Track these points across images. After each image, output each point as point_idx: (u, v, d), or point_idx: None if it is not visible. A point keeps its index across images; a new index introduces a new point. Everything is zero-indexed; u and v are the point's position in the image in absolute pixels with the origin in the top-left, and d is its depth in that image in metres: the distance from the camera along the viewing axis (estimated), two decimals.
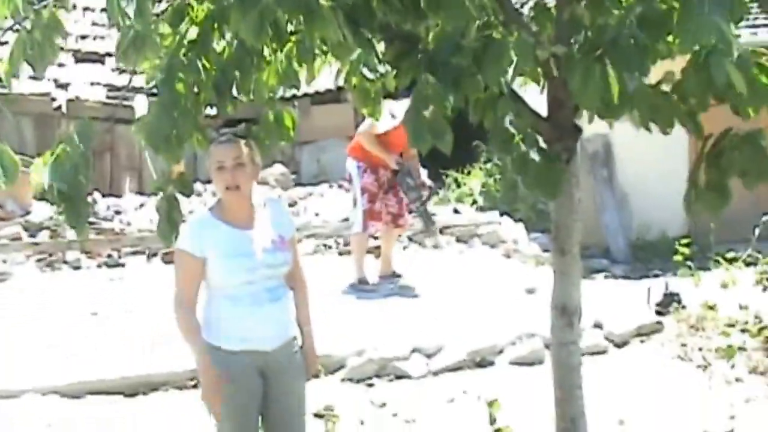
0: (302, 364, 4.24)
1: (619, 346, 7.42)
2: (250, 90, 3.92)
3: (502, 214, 11.27)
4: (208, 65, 3.75)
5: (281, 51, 3.90)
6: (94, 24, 15.22)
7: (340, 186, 12.54)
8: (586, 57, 3.07)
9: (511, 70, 3.22)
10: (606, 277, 9.64)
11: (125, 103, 12.29)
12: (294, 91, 4.44)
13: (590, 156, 10.94)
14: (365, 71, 3.99)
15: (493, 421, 5.03)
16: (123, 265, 10.23)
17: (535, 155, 3.35)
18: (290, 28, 3.61)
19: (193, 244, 3.99)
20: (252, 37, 3.20)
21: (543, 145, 3.49)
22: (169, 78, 3.66)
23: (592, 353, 7.03)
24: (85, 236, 4.38)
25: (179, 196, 3.96)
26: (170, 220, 3.92)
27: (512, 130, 3.39)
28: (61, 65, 13.79)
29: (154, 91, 3.83)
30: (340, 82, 4.24)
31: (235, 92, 3.98)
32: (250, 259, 3.98)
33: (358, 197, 8.55)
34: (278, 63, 3.95)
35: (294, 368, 4.20)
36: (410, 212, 8.94)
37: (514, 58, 3.16)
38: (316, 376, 4.57)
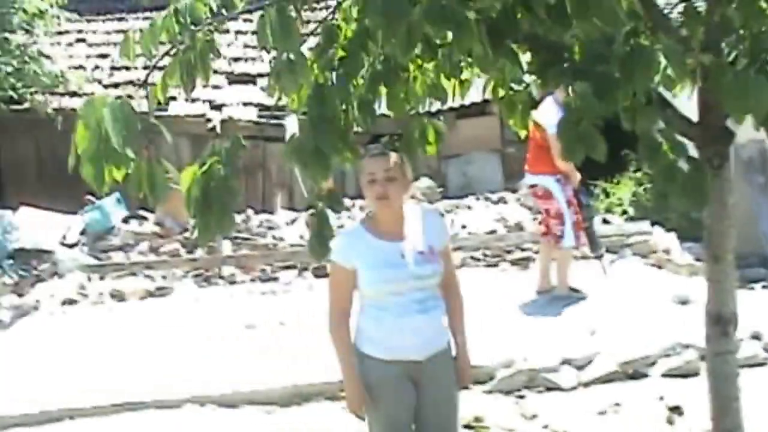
0: (455, 374, 4.27)
1: None
2: (396, 105, 3.97)
3: (653, 224, 11.03)
4: (356, 83, 3.82)
5: (428, 65, 3.95)
6: (246, 46, 15.71)
7: (486, 198, 12.53)
8: (738, 67, 3.00)
9: (658, 77, 3.15)
10: (764, 287, 9.30)
11: (276, 121, 12.63)
12: (439, 105, 4.46)
13: (745, 162, 10.60)
14: (511, 83, 4.03)
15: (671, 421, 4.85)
16: (276, 279, 10.44)
17: (683, 164, 3.27)
18: (437, 41, 3.64)
19: (344, 256, 4.08)
20: (401, 52, 3.25)
21: (692, 153, 3.39)
22: (318, 97, 3.74)
23: (750, 365, 6.78)
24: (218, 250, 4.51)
25: (329, 212, 4.05)
26: (321, 236, 3.98)
27: (659, 138, 3.31)
28: (215, 87, 14.29)
29: (304, 110, 3.93)
30: (487, 95, 4.27)
31: (381, 108, 4.05)
32: (397, 271, 4.03)
33: (565, 210, 8.43)
34: (426, 77, 4.01)
35: (447, 378, 4.23)
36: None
37: (663, 64, 3.11)
38: (467, 387, 4.58)
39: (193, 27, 3.71)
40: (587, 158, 3.27)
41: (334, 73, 3.77)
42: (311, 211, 4.04)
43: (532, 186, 8.72)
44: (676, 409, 5.11)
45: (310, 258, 4.16)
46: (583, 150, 3.22)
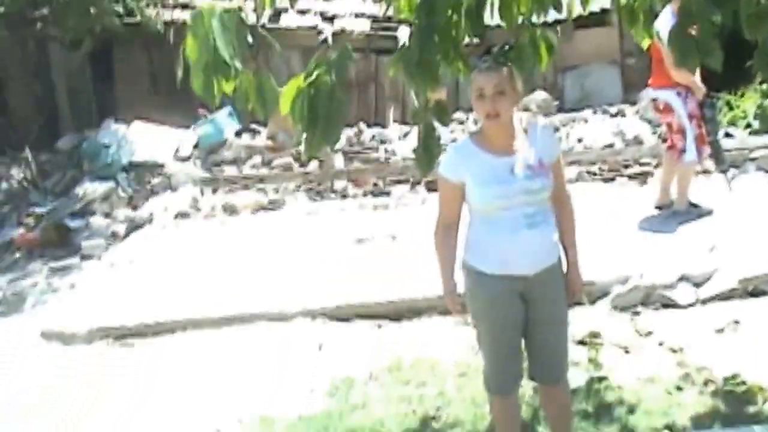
0: (565, 288, 4.23)
1: None
2: (507, 14, 3.88)
3: None
4: None
5: None
6: None
7: (604, 111, 12.24)
8: None
9: None
10: None
11: (390, 33, 12.51)
12: (557, 16, 4.35)
13: None
14: None
15: None
16: (388, 194, 10.44)
17: None
18: None
19: (453, 170, 4.05)
20: None
21: None
22: (427, 5, 3.68)
23: None
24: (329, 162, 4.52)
25: (438, 125, 4.01)
26: (428, 148, 3.96)
27: None
28: None
29: (413, 19, 3.87)
30: (606, 4, 4.14)
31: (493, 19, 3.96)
32: (505, 186, 3.97)
33: (686, 125, 8.23)
34: None
35: (556, 293, 4.19)
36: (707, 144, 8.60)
37: None
38: (580, 302, 4.54)
39: None
40: (710, 70, 3.14)
41: None
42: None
43: (653, 100, 8.47)
44: None
45: (417, 171, 4.13)
46: (697, 57, 3.12)
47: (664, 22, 7.03)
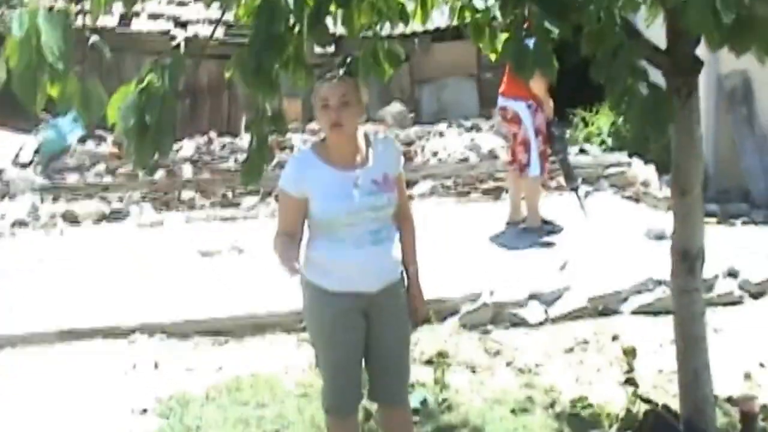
0: (407, 306, 4.11)
1: (755, 296, 6.95)
2: (350, 24, 3.73)
3: (631, 155, 10.81)
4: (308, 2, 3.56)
5: None
6: None
7: (460, 125, 12.26)
8: None
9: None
10: (744, 222, 9.10)
11: (244, 41, 12.23)
12: (414, 28, 4.25)
13: (728, 93, 10.31)
14: (476, 3, 3.83)
15: (629, 368, 4.80)
16: (237, 205, 10.25)
17: (643, 89, 3.10)
18: None
19: (294, 184, 3.90)
20: None
21: (654, 79, 3.24)
22: (267, 12, 3.50)
23: (726, 303, 6.71)
24: (153, 175, 4.32)
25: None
26: (258, 159, 3.80)
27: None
28: (180, 3, 13.89)
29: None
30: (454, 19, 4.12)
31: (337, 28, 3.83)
32: (351, 202, 3.84)
33: (531, 138, 8.22)
34: None
35: (398, 311, 4.07)
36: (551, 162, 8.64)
37: None
38: (426, 320, 4.47)
39: None
40: (565, 86, 3.14)
41: None
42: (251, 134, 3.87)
43: (502, 109, 8.47)
44: (632, 351, 5.02)
45: (243, 180, 3.95)
46: (532, 66, 3.10)
47: None
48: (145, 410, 5.42)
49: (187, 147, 11.23)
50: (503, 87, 8.42)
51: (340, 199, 3.84)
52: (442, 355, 5.85)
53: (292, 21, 3.59)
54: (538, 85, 7.91)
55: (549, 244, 8.05)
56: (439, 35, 13.10)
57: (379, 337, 4.03)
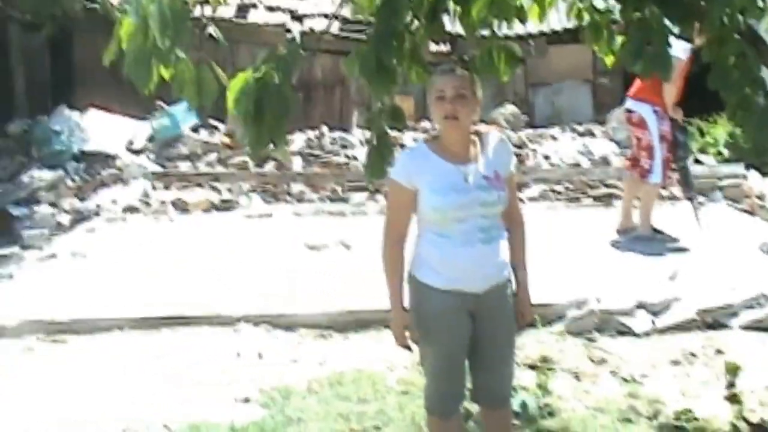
0: (514, 309, 4.06)
1: None
2: (467, 22, 3.72)
3: (748, 167, 10.54)
4: None
5: None
6: None
7: (573, 130, 12.12)
8: None
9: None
10: None
11: (359, 36, 12.31)
12: (530, 30, 4.25)
13: None
14: (596, 3, 3.80)
15: (731, 384, 4.68)
16: (346, 200, 10.29)
17: (761, 98, 3.02)
18: None
19: (405, 174, 3.86)
20: None
21: None
22: (388, 8, 3.53)
23: None
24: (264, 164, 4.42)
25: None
26: (379, 154, 3.82)
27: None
28: None
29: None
30: (573, 21, 4.16)
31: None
32: (462, 196, 3.80)
33: (656, 144, 8.12)
34: None
35: (505, 313, 4.02)
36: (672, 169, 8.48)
37: None
38: (531, 324, 4.45)
39: None
40: (684, 95, 3.13)
41: None
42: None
43: (629, 111, 8.33)
44: (735, 369, 4.89)
45: (367, 177, 3.97)
46: (646, 65, 3.13)
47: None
48: (247, 399, 5.45)
49: (298, 140, 11.31)
50: (632, 89, 8.29)
51: (451, 192, 3.79)
52: (545, 360, 5.82)
53: (410, 17, 3.62)
54: (669, 91, 7.78)
55: (659, 254, 7.89)
56: (555, 38, 12.99)
57: (485, 338, 3.98)
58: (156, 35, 3.14)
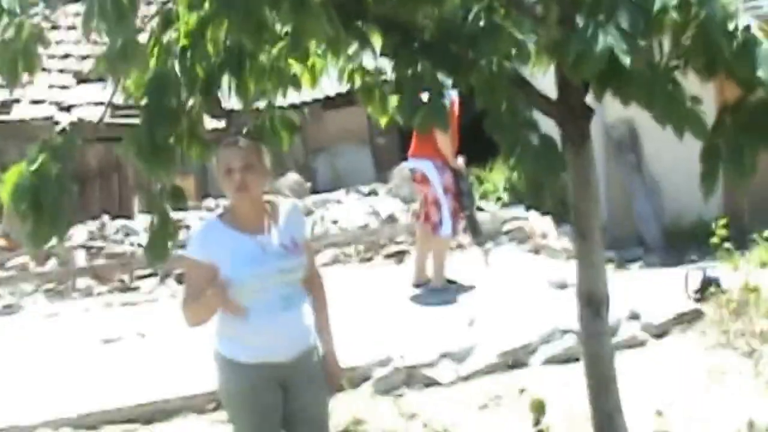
0: (323, 374, 4.05)
1: (658, 336, 7.10)
2: (244, 94, 3.72)
3: (528, 209, 10.97)
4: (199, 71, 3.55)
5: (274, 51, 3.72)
6: (95, 43, 14.99)
7: (357, 191, 12.28)
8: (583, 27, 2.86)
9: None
10: (641, 266, 9.31)
11: (131, 121, 12.10)
12: (304, 98, 4.30)
13: (616, 142, 10.58)
14: (366, 64, 3.88)
15: (536, 422, 4.80)
16: (136, 289, 9.99)
17: (534, 138, 3.19)
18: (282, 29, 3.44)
19: (201, 249, 3.83)
20: (248, 40, 3.18)
21: (544, 129, 3.35)
22: (159, 85, 3.49)
23: (630, 346, 6.80)
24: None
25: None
26: (161, 236, 3.75)
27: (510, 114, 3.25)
28: (63, 87, 13.67)
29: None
30: (346, 85, 4.21)
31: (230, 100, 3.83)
32: (261, 266, 3.79)
33: (441, 197, 8.26)
34: (269, 63, 3.76)
35: (315, 379, 4.01)
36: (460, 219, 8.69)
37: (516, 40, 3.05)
38: (342, 388, 4.44)
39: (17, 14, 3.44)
40: (461, 144, 3.26)
41: (176, 62, 3.52)
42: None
43: (412, 170, 8.55)
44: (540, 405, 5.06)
45: (149, 260, 3.88)
46: (427, 120, 3.25)
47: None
48: None
49: (79, 232, 10.92)
50: (411, 149, 8.49)
51: (250, 263, 3.78)
52: (358, 422, 5.81)
53: (184, 94, 3.58)
54: (444, 142, 8.00)
55: (455, 302, 8.07)
56: (329, 103, 13.15)
57: (298, 408, 3.95)
58: None
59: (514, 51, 3.22)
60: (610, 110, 9.35)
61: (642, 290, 7.80)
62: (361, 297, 8.36)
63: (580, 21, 2.89)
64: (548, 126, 3.46)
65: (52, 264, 10.31)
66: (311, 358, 3.97)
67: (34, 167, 3.29)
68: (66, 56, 14.38)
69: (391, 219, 11.07)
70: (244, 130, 4.10)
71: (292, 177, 12.59)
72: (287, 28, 3.39)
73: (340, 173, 13.54)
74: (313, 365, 3.98)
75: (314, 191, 12.76)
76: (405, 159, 8.62)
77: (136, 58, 3.38)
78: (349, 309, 7.38)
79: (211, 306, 3.75)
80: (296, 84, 4.02)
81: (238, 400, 3.90)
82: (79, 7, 3.75)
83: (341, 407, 5.97)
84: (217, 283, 3.72)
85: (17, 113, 12.75)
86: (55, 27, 13.90)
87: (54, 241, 3.44)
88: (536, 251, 10.01)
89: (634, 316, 7.17)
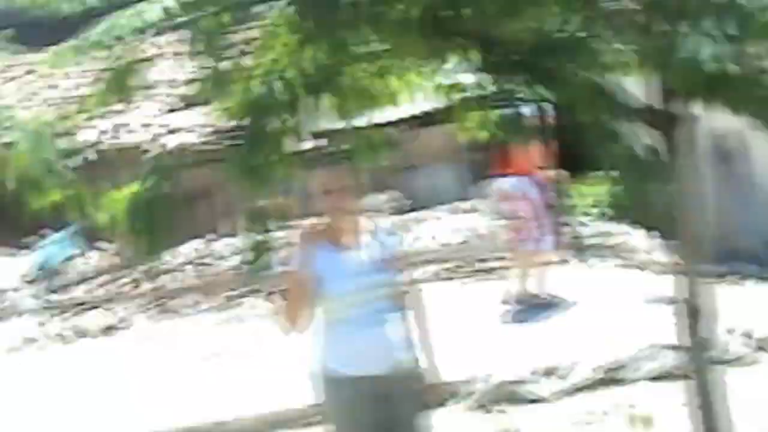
0: (423, 388, 4.09)
1: None
2: (338, 113, 3.80)
3: (631, 223, 10.79)
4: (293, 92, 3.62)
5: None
6: (200, 68, 15.33)
7: (454, 209, 12.27)
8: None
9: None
10: (756, 282, 9.06)
11: (232, 142, 12.31)
12: (401, 114, 4.35)
13: (725, 153, 10.33)
14: (462, 78, 3.89)
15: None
16: (241, 305, 10.15)
17: (637, 150, 3.15)
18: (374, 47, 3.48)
19: (302, 265, 3.97)
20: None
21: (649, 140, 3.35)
22: (258, 109, 3.58)
23: (742, 364, 6.60)
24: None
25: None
26: (261, 252, 3.83)
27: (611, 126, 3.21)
28: (170, 111, 13.98)
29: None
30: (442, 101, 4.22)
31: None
32: (356, 281, 3.92)
33: (540, 212, 8.26)
34: (359, 82, 3.82)
35: (414, 393, 4.06)
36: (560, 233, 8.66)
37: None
38: (441, 403, 4.48)
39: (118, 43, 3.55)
40: (562, 159, 3.23)
41: (275, 83, 3.59)
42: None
43: (509, 186, 8.49)
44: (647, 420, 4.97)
45: (251, 277, 3.98)
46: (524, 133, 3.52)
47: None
48: None
49: (187, 250, 11.19)
50: (505, 164, 8.43)
51: (347, 279, 3.91)
52: None
53: (284, 115, 3.66)
54: (539, 157, 7.97)
55: (556, 318, 8.00)
56: (425, 120, 13.15)
57: (399, 419, 4.01)
58: (40, 160, 3.17)
59: (612, 62, 3.19)
60: (719, 120, 9.11)
61: (755, 307, 7.57)
62: (459, 312, 8.35)
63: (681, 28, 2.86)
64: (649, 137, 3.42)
65: (162, 280, 10.59)
66: (408, 371, 4.01)
67: (147, 187, 3.42)
68: (172, 81, 14.75)
69: (489, 235, 11.02)
70: (341, 150, 4.17)
71: (390, 194, 12.65)
72: (386, 46, 3.43)
73: (437, 190, 13.53)
74: (411, 379, 4.02)
75: (411, 208, 12.80)
76: (499, 175, 8.55)
77: (235, 82, 3.47)
78: (448, 324, 7.37)
79: (298, 297, 3.92)
80: (393, 101, 4.06)
81: (341, 412, 3.98)
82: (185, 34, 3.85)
83: (441, 422, 5.96)
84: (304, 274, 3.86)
85: (125, 138, 13.12)
86: (160, 53, 14.25)
87: (165, 255, 3.58)
88: (639, 267, 9.83)
89: (747, 334, 6.97)
